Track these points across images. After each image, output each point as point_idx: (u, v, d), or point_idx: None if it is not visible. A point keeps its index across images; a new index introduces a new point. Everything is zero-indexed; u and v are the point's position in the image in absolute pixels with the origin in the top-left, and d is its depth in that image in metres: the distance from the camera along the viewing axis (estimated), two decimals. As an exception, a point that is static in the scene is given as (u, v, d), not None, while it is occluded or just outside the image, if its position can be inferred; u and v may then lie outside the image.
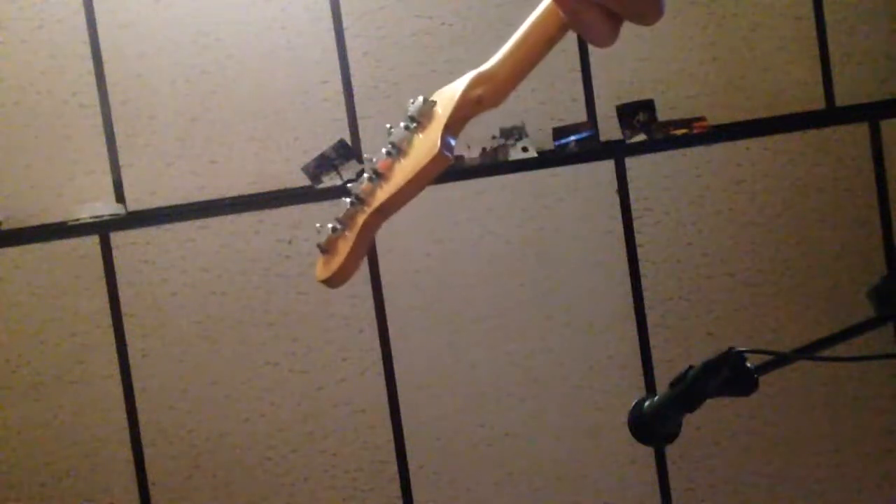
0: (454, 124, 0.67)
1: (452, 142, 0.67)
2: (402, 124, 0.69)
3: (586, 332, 2.74)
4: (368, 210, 0.70)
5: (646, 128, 2.75)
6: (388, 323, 2.68)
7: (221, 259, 2.64)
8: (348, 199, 0.71)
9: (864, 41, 2.89)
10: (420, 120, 0.69)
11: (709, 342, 2.76)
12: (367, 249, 0.72)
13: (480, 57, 0.67)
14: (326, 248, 0.72)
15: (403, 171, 0.68)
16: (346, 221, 0.71)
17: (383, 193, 0.69)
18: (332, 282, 0.72)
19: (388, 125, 0.70)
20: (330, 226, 0.71)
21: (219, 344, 2.64)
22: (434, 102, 0.69)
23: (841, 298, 2.78)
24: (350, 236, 0.71)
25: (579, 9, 0.58)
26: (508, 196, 2.71)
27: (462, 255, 2.70)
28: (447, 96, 0.69)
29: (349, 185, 0.72)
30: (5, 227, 2.61)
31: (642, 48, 2.83)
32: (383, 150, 0.69)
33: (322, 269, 0.73)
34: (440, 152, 0.65)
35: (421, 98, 0.69)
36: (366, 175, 0.70)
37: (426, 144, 0.67)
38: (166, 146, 2.69)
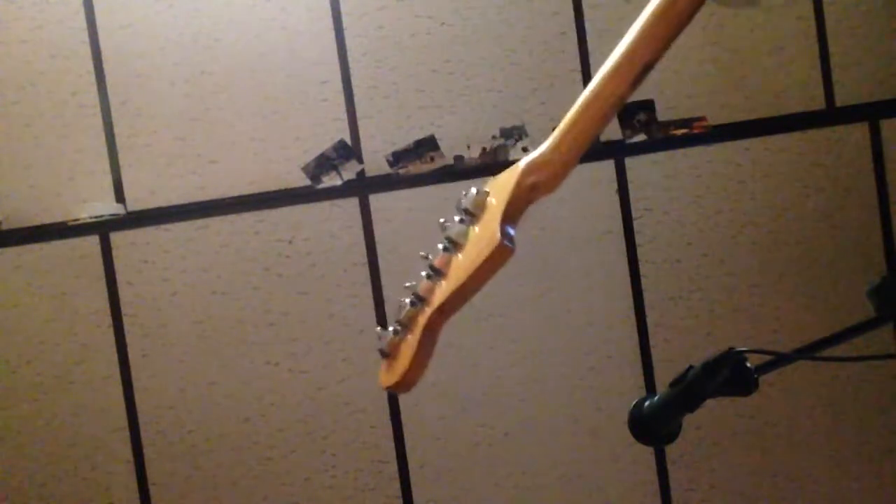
0: (512, 214, 0.65)
1: (512, 231, 0.64)
2: (456, 218, 0.66)
3: (586, 332, 2.74)
4: (429, 310, 0.66)
5: (646, 128, 2.75)
6: (388, 323, 2.67)
7: (221, 259, 2.64)
8: (408, 300, 0.67)
9: (864, 41, 2.88)
10: (475, 212, 0.66)
11: (709, 342, 2.76)
12: (432, 351, 0.67)
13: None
14: (388, 352, 0.69)
15: (463, 266, 0.64)
16: (407, 323, 0.68)
17: (444, 291, 0.65)
18: (399, 388, 0.69)
19: (441, 220, 0.66)
20: (391, 328, 0.68)
21: (219, 344, 2.64)
22: (487, 193, 0.66)
23: (841, 298, 2.78)
24: (413, 339, 0.67)
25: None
26: (508, 196, 2.70)
27: (462, 255, 2.69)
28: (500, 185, 0.66)
29: (407, 285, 0.68)
30: (5, 227, 2.61)
31: (642, 48, 2.82)
32: (439, 246, 0.66)
33: (386, 374, 0.70)
34: (501, 243, 0.63)
35: (474, 189, 0.66)
36: (423, 273, 0.67)
37: (485, 237, 0.64)
38: (166, 146, 2.69)
